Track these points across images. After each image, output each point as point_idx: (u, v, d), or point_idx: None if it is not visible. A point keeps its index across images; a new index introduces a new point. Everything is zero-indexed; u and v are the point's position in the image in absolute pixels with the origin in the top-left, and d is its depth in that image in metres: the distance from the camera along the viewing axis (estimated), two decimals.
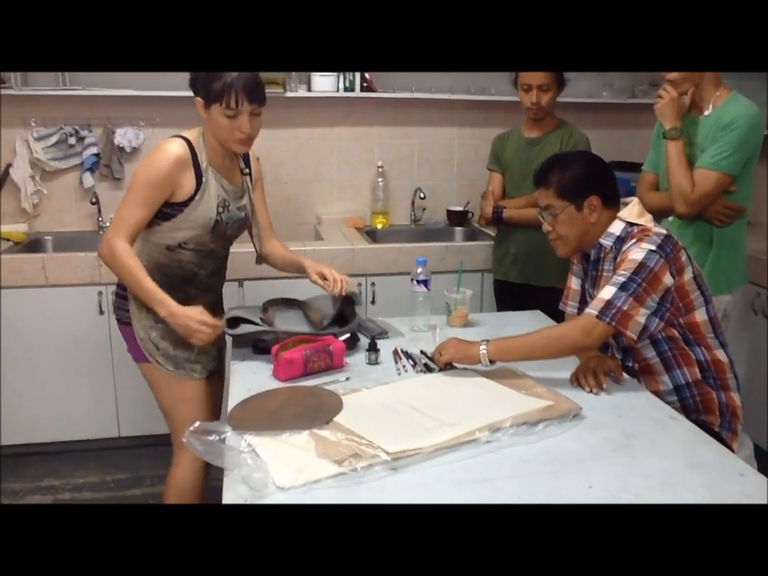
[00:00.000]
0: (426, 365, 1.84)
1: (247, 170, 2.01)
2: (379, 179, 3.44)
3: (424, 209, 3.54)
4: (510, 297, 2.79)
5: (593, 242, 1.85)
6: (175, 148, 1.79)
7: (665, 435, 1.49)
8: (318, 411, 1.50)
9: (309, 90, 3.18)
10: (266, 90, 3.03)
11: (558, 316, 2.16)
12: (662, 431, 1.51)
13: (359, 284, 2.99)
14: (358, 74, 3.15)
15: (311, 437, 1.40)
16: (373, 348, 1.87)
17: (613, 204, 1.84)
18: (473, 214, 3.51)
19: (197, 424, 1.40)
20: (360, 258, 2.97)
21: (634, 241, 1.74)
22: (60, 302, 2.76)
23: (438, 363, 1.80)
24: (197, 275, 1.95)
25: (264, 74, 3.13)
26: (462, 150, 3.56)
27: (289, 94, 3.16)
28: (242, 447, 1.38)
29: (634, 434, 1.48)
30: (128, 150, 3.17)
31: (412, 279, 2.12)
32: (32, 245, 3.02)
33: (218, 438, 1.39)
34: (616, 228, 1.82)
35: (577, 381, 1.74)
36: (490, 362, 1.73)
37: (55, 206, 3.22)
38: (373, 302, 3.01)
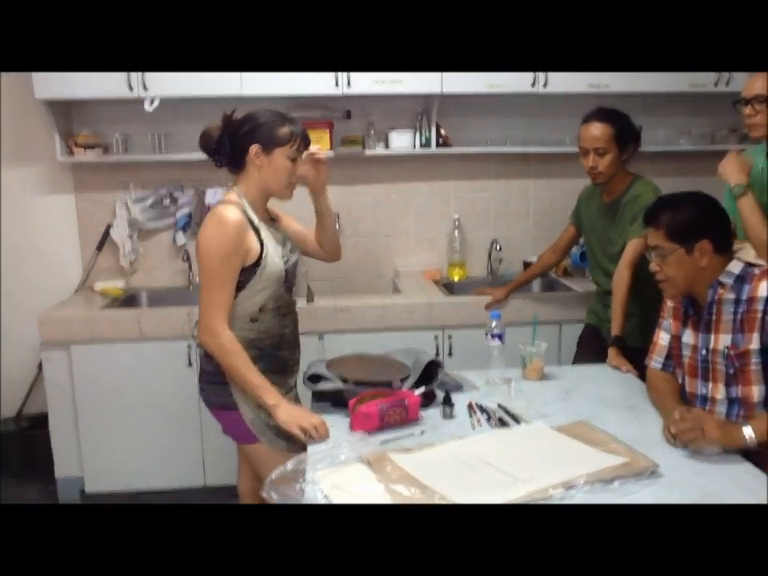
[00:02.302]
0: (500, 419, 1.84)
1: (277, 216, 2.10)
2: (455, 232, 3.50)
3: (500, 260, 3.55)
4: (595, 341, 2.67)
5: (702, 286, 1.79)
6: (233, 214, 1.85)
7: (746, 495, 1.43)
8: (396, 368, 1.96)
9: (386, 147, 3.29)
10: (350, 149, 3.21)
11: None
12: (743, 492, 1.45)
13: (436, 337, 3.02)
14: (434, 130, 3.24)
15: (386, 491, 1.44)
16: (447, 402, 1.89)
17: (725, 250, 1.79)
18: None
19: (274, 475, 1.47)
20: (437, 311, 3.01)
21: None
22: (152, 354, 2.92)
23: (689, 442, 1.60)
24: (284, 336, 2.01)
25: (344, 134, 3.31)
26: (537, 202, 3.58)
27: (368, 152, 3.27)
28: (318, 499, 1.43)
29: (713, 494, 1.43)
30: (214, 203, 3.35)
31: (486, 333, 2.14)
32: (128, 300, 3.22)
33: (296, 490, 1.45)
34: (735, 267, 1.77)
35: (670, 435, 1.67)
36: (758, 443, 1.57)
37: (150, 264, 3.42)
38: (450, 354, 3.04)
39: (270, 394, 1.85)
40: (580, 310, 2.90)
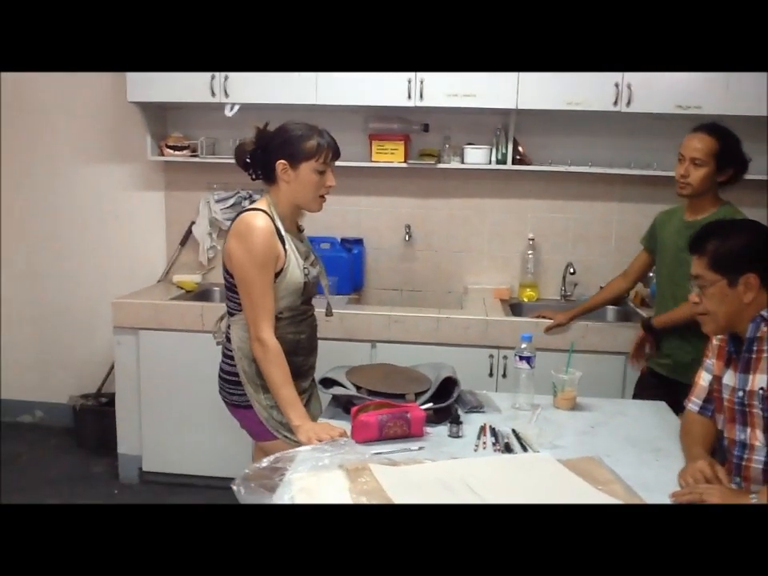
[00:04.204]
0: (506, 444, 1.77)
1: (303, 228, 2.10)
2: (529, 252, 3.40)
3: (575, 284, 3.41)
4: (653, 388, 2.50)
5: (745, 324, 1.63)
6: (262, 221, 1.87)
7: None
8: (416, 382, 1.98)
9: (462, 161, 3.26)
10: (422, 162, 3.19)
11: None
12: None
13: (491, 356, 2.94)
14: (510, 147, 3.18)
15: (351, 501, 1.42)
16: (455, 420, 1.84)
17: None
18: (628, 294, 3.31)
19: (250, 470, 1.48)
20: (493, 329, 2.93)
21: None
22: (213, 346, 3.03)
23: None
24: (299, 342, 2.02)
25: (420, 147, 3.32)
26: (621, 227, 3.40)
27: (441, 165, 3.26)
28: (283, 500, 1.43)
29: None
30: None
31: (515, 355, 2.07)
32: (201, 294, 3.38)
33: (266, 487, 1.46)
34: None
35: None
36: None
37: None
38: (504, 376, 2.94)
39: (296, 414, 1.85)
40: None
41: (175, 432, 3.13)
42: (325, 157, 1.90)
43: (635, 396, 2.59)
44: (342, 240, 3.44)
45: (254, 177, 1.99)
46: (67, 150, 3.61)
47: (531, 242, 3.41)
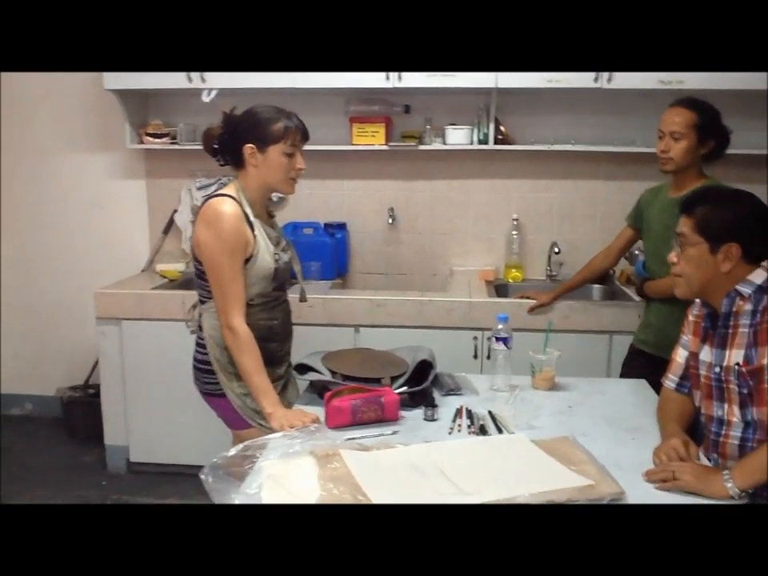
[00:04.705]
0: (481, 427, 1.75)
1: (274, 213, 2.08)
2: (514, 232, 3.37)
3: (561, 264, 3.39)
4: (640, 367, 2.49)
5: (719, 294, 1.62)
6: (230, 207, 1.85)
7: None
8: (392, 366, 1.96)
9: (444, 142, 3.22)
10: (403, 144, 3.15)
11: None
12: None
13: (475, 338, 2.93)
14: (492, 127, 3.14)
15: (319, 488, 1.41)
16: (430, 404, 1.83)
17: (755, 261, 1.60)
18: (614, 272, 3.29)
19: (219, 459, 1.48)
20: (477, 311, 2.91)
21: None
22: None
23: (660, 483, 1.47)
24: (272, 328, 1.99)
25: (402, 129, 3.28)
26: (606, 205, 3.37)
27: (422, 147, 3.22)
28: (252, 488, 1.42)
29: None
30: (275, 199, 3.42)
31: (491, 336, 2.05)
32: (184, 283, 3.35)
33: (234, 475, 1.45)
34: (758, 277, 1.59)
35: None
36: (742, 492, 1.41)
37: None
38: (488, 358, 2.92)
39: (268, 401, 1.84)
40: (635, 322, 2.71)
41: (161, 422, 3.12)
42: (293, 139, 1.87)
43: (622, 376, 2.58)
44: (326, 225, 3.41)
45: (222, 163, 1.96)
46: (47, 140, 3.58)
47: (516, 223, 3.38)
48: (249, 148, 1.87)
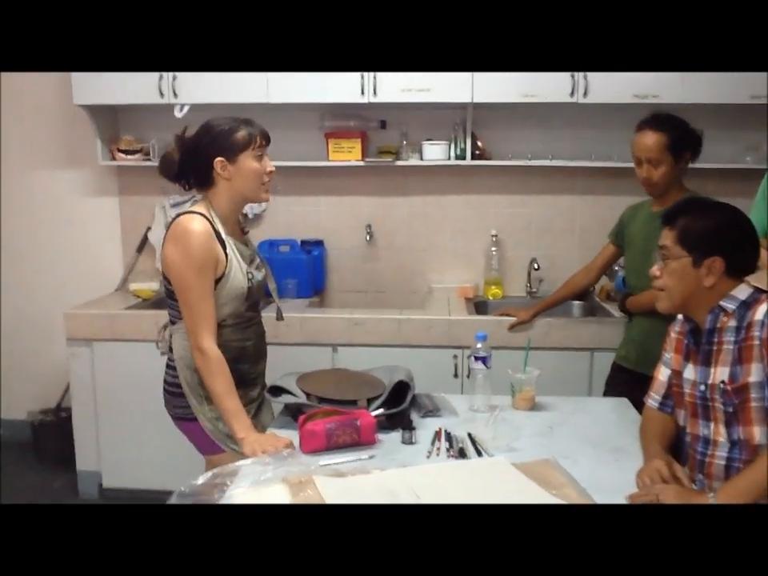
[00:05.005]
0: (461, 450, 1.71)
1: (248, 230, 2.03)
2: (493, 248, 3.34)
3: (541, 280, 3.36)
4: (623, 384, 2.45)
5: (702, 310, 1.59)
6: (199, 225, 1.79)
7: None
8: (369, 387, 1.93)
9: (421, 158, 3.20)
10: (379, 159, 3.12)
11: None
12: None
13: (455, 356, 2.89)
14: (469, 142, 3.12)
15: None
16: (407, 426, 1.78)
17: (738, 275, 1.57)
18: (594, 288, 3.27)
19: (186, 488, 1.41)
20: (457, 329, 2.87)
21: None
22: None
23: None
24: (245, 349, 1.94)
25: (378, 144, 3.25)
26: (584, 220, 3.36)
27: (399, 163, 3.19)
28: None
29: None
30: (250, 216, 3.38)
31: (470, 355, 2.01)
32: (158, 302, 3.27)
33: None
34: (741, 293, 1.55)
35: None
36: None
37: None
38: (469, 377, 2.87)
39: (239, 426, 1.77)
40: (616, 338, 2.68)
41: (134, 446, 3.03)
42: (259, 143, 1.84)
43: (605, 394, 2.54)
44: (302, 242, 3.37)
45: (187, 186, 1.90)
46: (16, 155, 3.50)
47: (494, 238, 3.36)
48: (219, 162, 1.81)
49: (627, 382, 2.41)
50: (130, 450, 3.04)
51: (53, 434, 3.45)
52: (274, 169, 1.89)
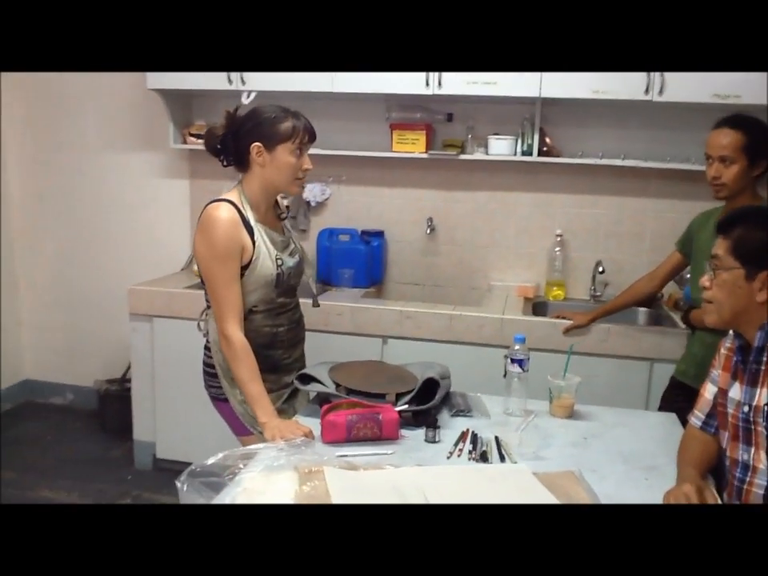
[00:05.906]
0: (483, 453, 1.66)
1: (285, 215, 2.02)
2: (557, 249, 3.24)
3: (606, 284, 3.23)
4: (679, 400, 2.31)
5: (752, 326, 1.48)
6: (225, 212, 1.80)
7: None
8: (400, 382, 1.90)
9: (486, 153, 3.12)
10: (442, 152, 3.07)
11: None
12: None
13: (506, 356, 2.81)
14: (536, 138, 3.03)
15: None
16: (432, 425, 1.74)
17: None
18: (662, 295, 3.12)
19: (198, 467, 1.44)
20: (509, 328, 2.79)
21: None
22: None
23: None
24: (276, 335, 1.95)
25: (444, 137, 3.20)
26: (656, 224, 3.20)
27: (463, 156, 3.13)
28: (224, 501, 1.37)
29: None
30: (313, 204, 3.40)
31: (506, 356, 1.95)
32: None
33: (211, 485, 1.41)
34: None
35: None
36: None
37: None
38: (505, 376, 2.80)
39: (262, 411, 1.79)
40: (679, 350, 2.54)
41: (187, 421, 3.11)
42: (301, 139, 1.83)
43: (660, 408, 2.41)
44: (363, 232, 3.36)
45: (225, 163, 1.92)
46: (92, 138, 3.67)
47: (559, 239, 3.25)
48: (256, 147, 1.82)
49: (684, 399, 2.26)
50: (183, 424, 3.13)
51: (116, 403, 3.60)
52: (311, 167, 1.88)
